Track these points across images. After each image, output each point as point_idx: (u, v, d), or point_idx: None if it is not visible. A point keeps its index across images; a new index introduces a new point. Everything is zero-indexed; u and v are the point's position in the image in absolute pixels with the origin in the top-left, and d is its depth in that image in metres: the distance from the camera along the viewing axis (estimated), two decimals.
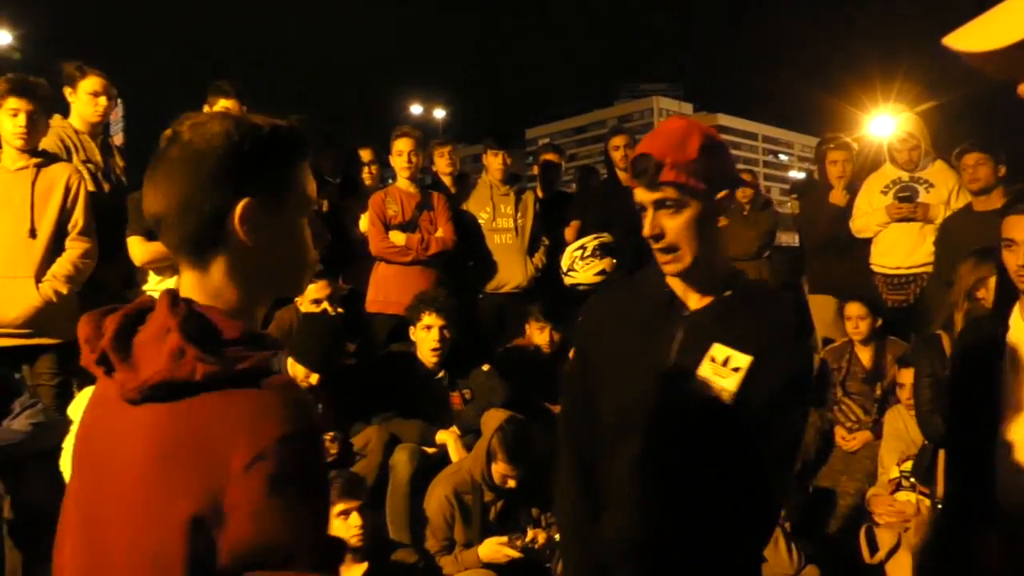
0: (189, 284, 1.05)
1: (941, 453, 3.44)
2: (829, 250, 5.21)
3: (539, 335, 4.22)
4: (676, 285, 1.62)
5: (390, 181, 5.02)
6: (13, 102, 3.38)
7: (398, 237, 4.49)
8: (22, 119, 3.39)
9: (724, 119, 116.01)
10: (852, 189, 5.13)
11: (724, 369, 1.52)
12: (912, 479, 3.46)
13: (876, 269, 4.81)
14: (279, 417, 0.92)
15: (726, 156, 1.60)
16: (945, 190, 4.63)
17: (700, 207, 1.52)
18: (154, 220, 1.04)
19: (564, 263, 4.71)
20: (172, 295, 1.01)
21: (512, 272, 4.85)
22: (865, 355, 4.30)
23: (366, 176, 5.14)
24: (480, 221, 4.90)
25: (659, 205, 1.53)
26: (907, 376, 3.68)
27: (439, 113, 37.80)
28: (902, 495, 3.48)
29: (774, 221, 6.18)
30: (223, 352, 0.95)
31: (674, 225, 1.53)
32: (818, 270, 5.37)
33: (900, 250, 4.70)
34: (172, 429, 0.93)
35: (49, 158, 3.58)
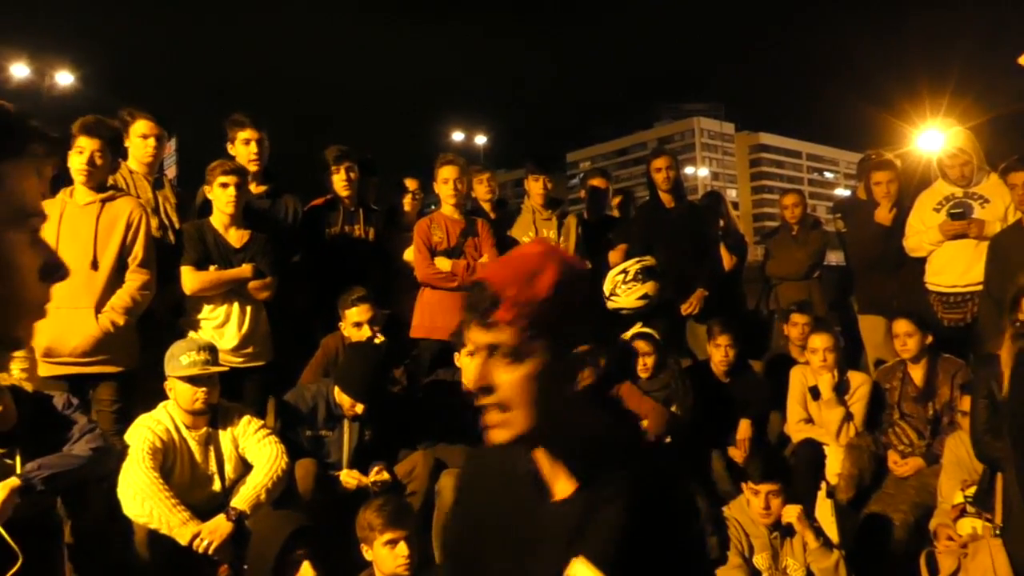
0: None
1: (999, 477, 3.35)
2: (878, 269, 5.12)
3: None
4: (541, 460, 1.25)
5: (432, 208, 5.08)
6: (82, 141, 3.59)
7: (444, 263, 4.53)
8: (86, 157, 3.58)
9: (767, 137, 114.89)
10: (899, 207, 5.04)
11: None
12: (976, 506, 3.37)
13: (931, 288, 4.70)
14: None
15: (590, 302, 1.27)
16: (1002, 205, 4.50)
17: (546, 360, 1.16)
18: None
19: (607, 287, 4.70)
20: None
21: None
22: (917, 374, 4.20)
23: (407, 204, 5.23)
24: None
25: (492, 350, 1.17)
26: (968, 403, 3.59)
27: (480, 139, 38.20)
28: (966, 521, 3.38)
29: (824, 241, 6.09)
30: None
31: (509, 379, 1.16)
32: (868, 290, 5.28)
33: (955, 268, 4.58)
34: None
35: (116, 193, 3.74)
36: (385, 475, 3.45)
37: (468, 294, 1.21)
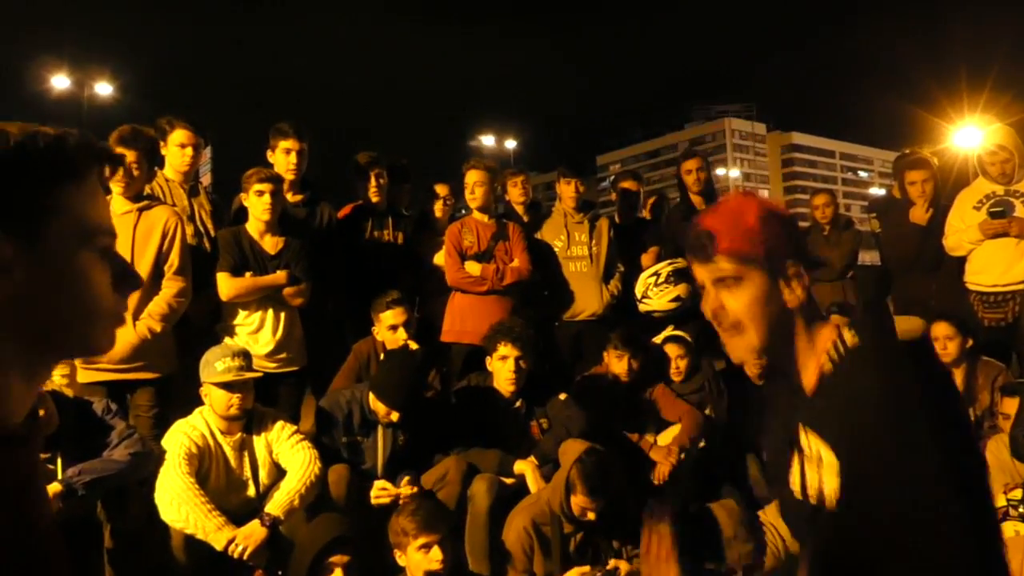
0: None
1: None
2: (915, 269, 5.03)
3: (617, 363, 4.18)
4: (785, 367, 1.46)
5: (463, 212, 5.09)
6: (120, 151, 3.61)
7: (474, 267, 4.54)
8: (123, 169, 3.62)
9: (799, 137, 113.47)
10: (936, 206, 4.95)
11: (824, 468, 1.32)
12: (1020, 508, 3.29)
13: (971, 287, 4.61)
14: None
15: (792, 229, 1.45)
16: None
17: (762, 280, 1.37)
18: None
19: (638, 290, 4.68)
20: None
21: (588, 300, 4.83)
22: (957, 378, 4.10)
23: (438, 209, 5.25)
24: (555, 249, 4.92)
25: (718, 282, 1.39)
26: (1011, 406, 3.50)
27: (510, 143, 38.25)
28: (1009, 524, 3.30)
29: (857, 240, 6.01)
30: None
31: (735, 303, 1.38)
32: (905, 290, 5.19)
33: (996, 267, 4.49)
34: None
35: (152, 202, 3.80)
36: (413, 488, 3.45)
37: (688, 238, 1.43)
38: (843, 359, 1.36)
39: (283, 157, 4.38)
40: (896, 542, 1.18)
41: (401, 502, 3.32)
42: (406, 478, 3.46)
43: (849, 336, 1.37)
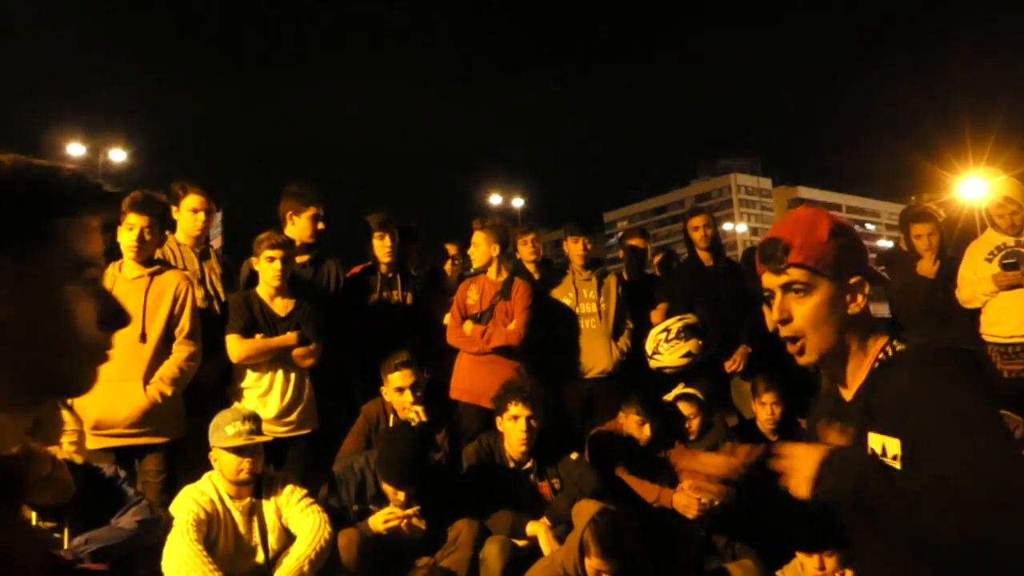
0: None
1: None
2: (926, 321, 5.00)
3: (636, 428, 4.14)
4: (833, 378, 1.57)
5: (473, 272, 5.13)
6: (132, 218, 3.70)
7: (467, 327, 4.56)
8: (135, 233, 3.69)
9: (805, 191, 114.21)
10: (943, 257, 4.96)
11: (888, 460, 1.39)
12: None
13: (988, 339, 4.59)
14: None
15: (857, 243, 1.55)
16: None
17: (828, 291, 1.47)
18: None
19: (649, 346, 4.66)
20: None
21: (597, 357, 4.82)
22: None
23: (448, 269, 5.27)
24: (566, 305, 4.92)
25: (787, 289, 1.49)
26: None
27: (518, 202, 38.62)
28: None
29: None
30: None
31: (802, 310, 1.48)
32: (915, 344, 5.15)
33: (1012, 318, 4.49)
34: None
35: (163, 266, 3.84)
36: (416, 508, 3.41)
37: (761, 247, 1.53)
38: (891, 360, 1.47)
39: (308, 224, 4.45)
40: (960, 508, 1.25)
41: (403, 525, 3.34)
42: (414, 508, 3.42)
43: (898, 344, 1.49)
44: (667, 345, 4.55)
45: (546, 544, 3.50)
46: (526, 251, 5.54)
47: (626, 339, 4.92)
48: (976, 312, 4.65)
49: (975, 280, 4.63)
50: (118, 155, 24.94)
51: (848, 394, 1.53)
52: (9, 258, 0.79)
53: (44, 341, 0.81)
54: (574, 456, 3.90)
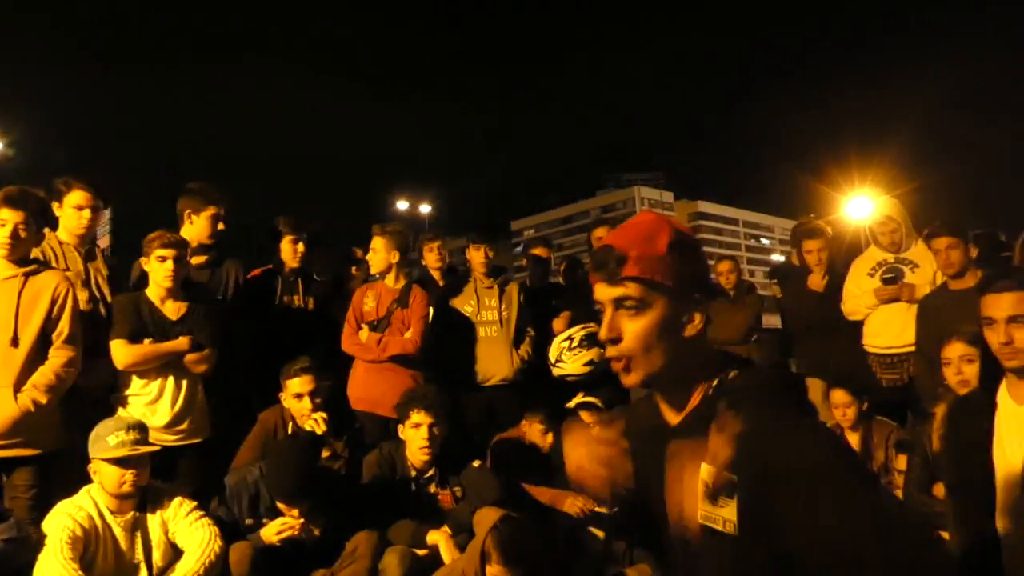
0: None
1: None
2: (815, 333, 5.25)
3: (540, 437, 4.16)
4: (658, 399, 1.44)
5: (377, 277, 5.04)
6: (4, 213, 3.40)
7: (362, 334, 4.49)
8: (8, 230, 3.40)
9: (705, 206, 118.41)
10: (831, 272, 5.22)
11: (719, 496, 1.27)
12: None
13: (869, 350, 4.86)
14: None
15: (700, 257, 1.40)
16: (930, 269, 4.71)
17: (665, 309, 1.32)
18: None
19: (552, 354, 4.69)
20: None
21: (498, 364, 4.83)
22: (853, 439, 4.26)
23: (355, 273, 5.16)
24: (466, 314, 4.90)
25: (619, 304, 1.34)
26: (904, 462, 3.64)
27: (425, 208, 38.38)
28: None
29: (759, 305, 6.26)
30: None
31: (634, 328, 1.32)
32: (806, 353, 5.40)
33: (891, 330, 4.75)
34: None
35: (41, 266, 3.57)
36: (316, 529, 3.32)
37: (594, 255, 1.39)
38: (728, 389, 1.34)
39: (206, 223, 4.26)
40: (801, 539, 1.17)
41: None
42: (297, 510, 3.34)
43: (731, 372, 1.36)
44: (570, 353, 4.60)
45: (447, 553, 3.46)
46: (432, 258, 5.50)
47: (527, 347, 4.95)
48: (860, 324, 4.90)
49: (858, 294, 4.89)
50: None
51: (675, 418, 1.39)
52: None
53: None
54: (476, 464, 3.88)
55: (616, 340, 1.34)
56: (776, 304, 6.15)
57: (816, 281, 5.25)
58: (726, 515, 1.25)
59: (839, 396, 4.26)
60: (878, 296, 4.76)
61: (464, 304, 4.95)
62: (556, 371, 4.67)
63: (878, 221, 4.93)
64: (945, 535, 3.29)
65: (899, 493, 3.74)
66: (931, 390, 3.92)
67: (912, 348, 4.60)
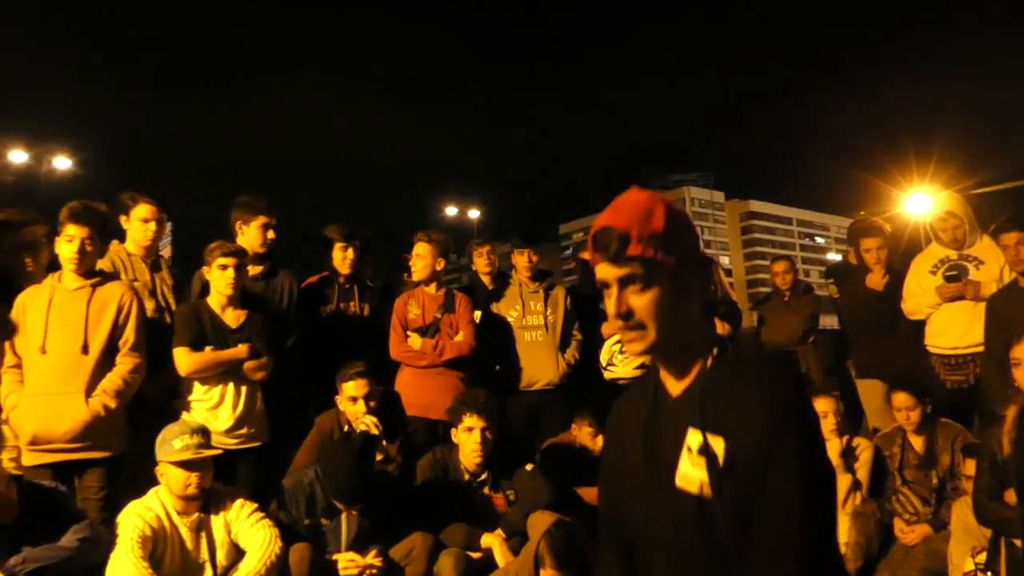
0: None
1: (1002, 541, 3.28)
2: (874, 333, 5.12)
3: (590, 440, 4.16)
4: (663, 372, 1.49)
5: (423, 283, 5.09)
6: (71, 229, 3.59)
7: (415, 341, 4.53)
8: (76, 245, 3.58)
9: (757, 205, 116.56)
10: (891, 270, 5.09)
11: (701, 458, 1.34)
12: (988, 572, 3.29)
13: (932, 350, 4.70)
14: None
15: (691, 227, 1.48)
16: (996, 266, 4.53)
17: (668, 282, 1.39)
18: None
19: (603, 357, 4.68)
20: None
21: (543, 369, 4.83)
22: (918, 441, 4.15)
23: (405, 279, 5.22)
24: (510, 319, 4.92)
25: (625, 282, 1.39)
26: (972, 467, 3.53)
27: (474, 213, 38.57)
28: None
29: (816, 305, 6.13)
30: None
31: (642, 303, 1.39)
32: (864, 354, 5.27)
33: (955, 330, 4.58)
34: None
35: (106, 277, 3.73)
36: (378, 561, 3.36)
37: (596, 238, 1.42)
38: (726, 360, 1.41)
39: (258, 233, 4.37)
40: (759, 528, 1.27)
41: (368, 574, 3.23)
42: (374, 550, 3.37)
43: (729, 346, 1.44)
44: (622, 356, 4.57)
45: (501, 556, 3.48)
46: (481, 263, 5.53)
47: (574, 351, 4.93)
48: (921, 323, 4.76)
49: (919, 292, 4.74)
50: (63, 163, 24.26)
51: (676, 389, 1.45)
52: None
53: None
54: (529, 468, 3.90)
55: (627, 315, 1.39)
56: (833, 304, 6.02)
57: (875, 280, 5.12)
58: (703, 478, 1.33)
59: (901, 399, 4.15)
60: (940, 294, 4.60)
61: (508, 309, 4.96)
62: (608, 374, 4.65)
63: (939, 217, 4.78)
64: (1018, 543, 3.20)
65: (967, 499, 3.63)
66: (1000, 392, 3.78)
67: (978, 348, 4.44)
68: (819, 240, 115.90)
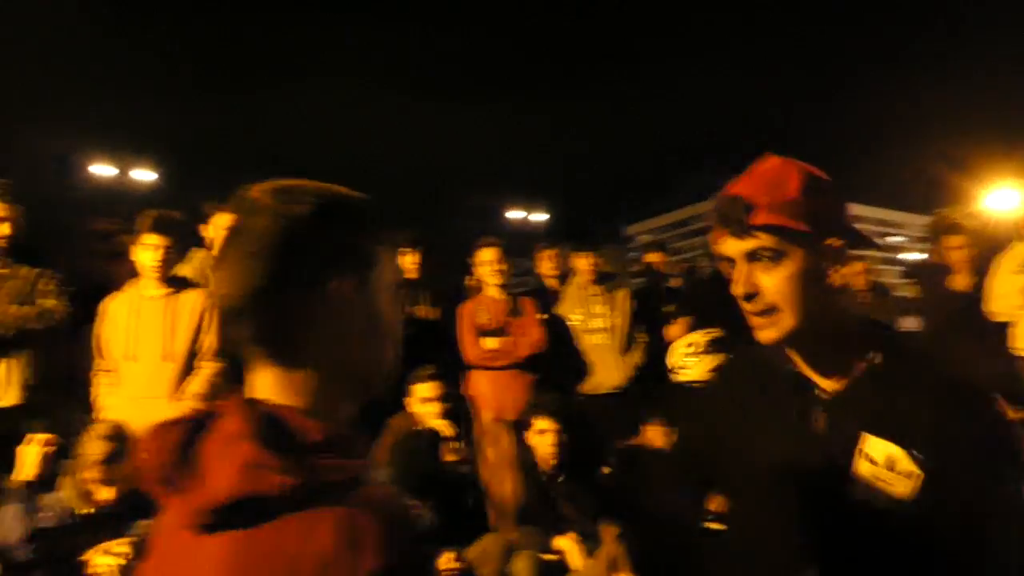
0: (262, 382, 0.89)
1: None
2: (959, 336, 4.93)
3: (663, 440, 4.13)
4: (798, 360, 1.30)
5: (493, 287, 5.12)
6: (152, 238, 3.74)
7: (490, 342, 4.57)
8: (159, 254, 3.73)
9: None
10: (977, 270, 4.89)
11: (890, 473, 1.17)
12: None
13: (1020, 354, 4.51)
14: (376, 545, 0.74)
15: (836, 198, 1.26)
16: None
17: (804, 258, 1.20)
18: (225, 310, 0.89)
19: (673, 361, 4.62)
20: (240, 396, 0.87)
21: (608, 372, 4.80)
22: None
23: (470, 283, 5.28)
24: (574, 322, 4.90)
25: (752, 257, 1.22)
26: None
27: (538, 217, 38.61)
28: None
29: (895, 307, 5.93)
30: (307, 461, 0.77)
31: (773, 281, 1.20)
32: (948, 356, 5.07)
33: None
34: (249, 559, 0.75)
35: (184, 285, 3.88)
36: (457, 565, 3.39)
37: (719, 207, 1.25)
38: (905, 360, 1.25)
39: None
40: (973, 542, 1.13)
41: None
42: (450, 554, 3.41)
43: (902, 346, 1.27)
44: (694, 359, 4.51)
45: (575, 559, 3.48)
46: (547, 266, 5.54)
47: (640, 353, 4.89)
48: (1007, 326, 4.57)
49: (1005, 293, 4.56)
50: (144, 175, 25.36)
51: (831, 384, 1.26)
52: (357, 278, 0.89)
53: (375, 349, 0.93)
54: (604, 471, 3.88)
55: (753, 295, 1.22)
56: (913, 305, 5.81)
57: (963, 280, 4.93)
58: (896, 493, 1.17)
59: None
60: None
61: (570, 312, 4.95)
62: (679, 377, 4.60)
63: None
64: None
65: None
66: None
67: None
68: (896, 239, 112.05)
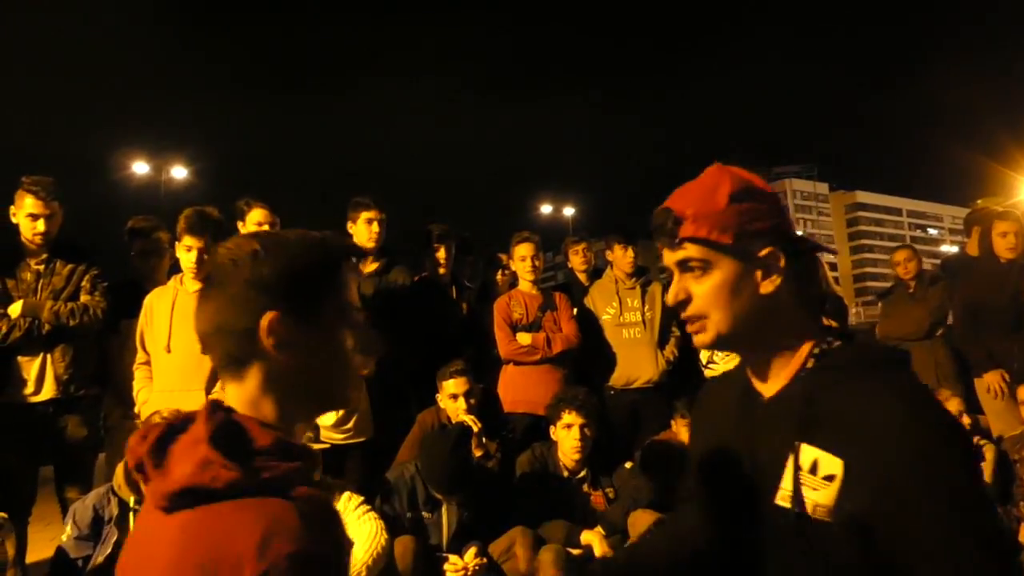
0: (231, 394, 1.07)
1: None
2: (1000, 328, 4.82)
3: (687, 432, 4.10)
4: (748, 370, 1.32)
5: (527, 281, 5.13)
6: (189, 240, 3.81)
7: (524, 337, 4.58)
8: (195, 255, 3.81)
9: (863, 196, 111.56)
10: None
11: (813, 478, 1.15)
12: None
13: None
14: (294, 533, 0.88)
15: (767, 208, 1.27)
16: None
17: (732, 267, 1.23)
18: (200, 338, 1.08)
19: (704, 355, 4.60)
20: (213, 404, 1.03)
21: (642, 367, 4.78)
22: None
23: (500, 279, 5.29)
24: (607, 316, 4.89)
25: (683, 267, 1.27)
26: None
27: (569, 211, 38.53)
28: None
29: (945, 297, 5.74)
30: (250, 462, 0.94)
31: (702, 290, 1.25)
32: (987, 351, 4.96)
33: None
34: (190, 539, 0.90)
35: None
36: (481, 560, 3.41)
37: (653, 219, 1.30)
38: (835, 362, 1.22)
39: (364, 227, 4.51)
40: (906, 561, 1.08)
41: (470, 574, 3.28)
42: (473, 548, 3.43)
43: (833, 340, 1.25)
44: (722, 354, 4.49)
45: (601, 553, 3.48)
46: (577, 260, 5.53)
47: (673, 347, 4.86)
48: None
49: None
50: (180, 172, 25.77)
51: (767, 390, 1.28)
52: (300, 310, 1.04)
53: (330, 372, 1.08)
54: (629, 465, 3.88)
55: (685, 303, 1.27)
56: (951, 296, 5.67)
57: (1011, 269, 4.79)
58: (819, 499, 1.14)
59: None
60: None
61: (606, 305, 4.94)
62: (709, 372, 4.58)
63: None
64: None
65: None
66: None
67: None
68: (932, 231, 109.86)
